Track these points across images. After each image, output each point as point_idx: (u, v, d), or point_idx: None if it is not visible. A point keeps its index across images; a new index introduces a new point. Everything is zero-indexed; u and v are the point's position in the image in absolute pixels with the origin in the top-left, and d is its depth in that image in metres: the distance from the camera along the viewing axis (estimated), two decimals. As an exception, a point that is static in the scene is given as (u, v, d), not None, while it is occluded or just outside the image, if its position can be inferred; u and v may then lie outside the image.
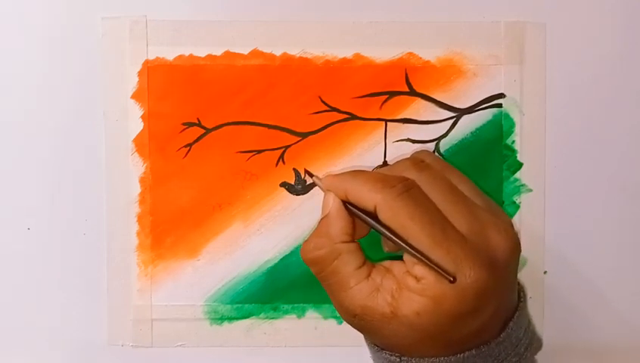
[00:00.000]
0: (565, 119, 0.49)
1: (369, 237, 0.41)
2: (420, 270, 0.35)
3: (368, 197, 0.37)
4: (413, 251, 0.35)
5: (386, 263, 0.38)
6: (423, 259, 0.35)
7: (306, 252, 0.38)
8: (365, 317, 0.37)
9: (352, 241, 0.38)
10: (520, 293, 0.41)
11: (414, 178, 0.38)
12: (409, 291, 0.36)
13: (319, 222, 0.39)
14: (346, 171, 0.40)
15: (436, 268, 0.34)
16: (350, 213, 0.38)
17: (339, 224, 0.38)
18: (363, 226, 0.39)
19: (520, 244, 0.38)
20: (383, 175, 0.38)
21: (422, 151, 0.42)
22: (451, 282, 0.34)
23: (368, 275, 0.37)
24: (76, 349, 0.49)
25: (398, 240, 0.36)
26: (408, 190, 0.36)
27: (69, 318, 0.49)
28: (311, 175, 0.44)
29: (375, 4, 0.48)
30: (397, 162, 0.41)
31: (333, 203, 0.39)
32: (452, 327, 0.36)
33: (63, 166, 0.48)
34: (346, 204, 0.38)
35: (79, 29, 0.48)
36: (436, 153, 0.48)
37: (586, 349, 0.50)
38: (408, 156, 0.41)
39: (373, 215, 0.37)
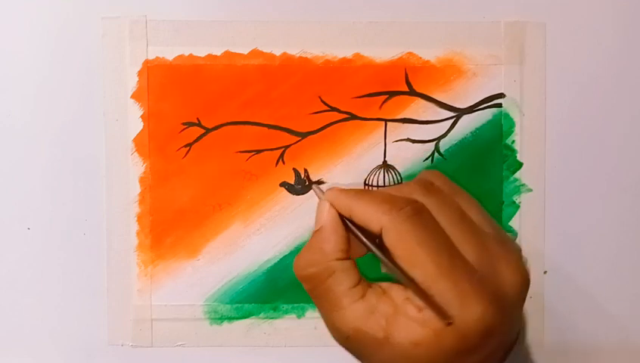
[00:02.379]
0: (565, 119, 0.49)
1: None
2: (421, 300, 0.33)
3: (375, 217, 0.34)
4: (412, 284, 0.33)
5: (385, 285, 0.35)
6: (420, 293, 0.33)
7: (299, 269, 0.36)
8: (357, 339, 0.35)
9: (347, 258, 0.36)
10: (519, 324, 0.39)
11: (422, 202, 0.35)
12: (408, 319, 0.33)
13: (312, 235, 0.37)
14: (352, 187, 0.37)
15: (432, 305, 0.32)
16: (347, 230, 0.36)
17: (333, 240, 0.36)
18: (361, 244, 0.36)
19: (529, 279, 0.36)
20: (391, 195, 0.35)
21: (430, 172, 0.38)
22: (448, 325, 0.32)
23: (363, 295, 0.35)
24: (76, 349, 0.49)
25: (396, 270, 0.33)
26: (417, 213, 0.34)
27: (69, 318, 0.49)
28: (311, 182, 0.43)
29: (375, 4, 0.48)
30: (405, 183, 0.38)
31: (328, 216, 0.36)
32: (449, 361, 0.33)
33: (63, 166, 0.48)
34: (346, 221, 0.36)
35: (79, 29, 0.48)
36: (437, 153, 0.48)
37: (586, 349, 0.50)
38: (416, 178, 0.39)
39: (374, 238, 0.35)
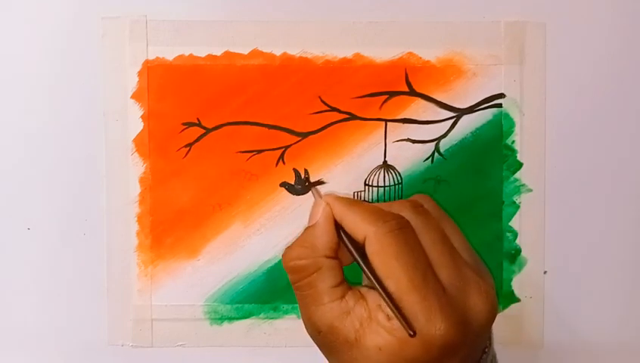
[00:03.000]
0: (565, 119, 0.49)
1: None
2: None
3: (361, 226, 0.37)
4: (383, 294, 0.35)
5: (363, 289, 0.37)
6: (390, 304, 0.35)
7: (287, 260, 0.38)
8: (329, 336, 0.37)
9: (335, 257, 0.38)
10: (487, 342, 0.40)
11: (409, 220, 0.37)
12: (378, 325, 0.35)
13: (305, 230, 0.39)
14: (348, 197, 0.40)
15: (399, 316, 0.34)
16: (338, 236, 0.38)
17: (325, 238, 0.38)
18: (348, 253, 0.38)
19: (497, 309, 0.38)
20: (380, 209, 0.38)
21: (422, 196, 0.41)
22: (410, 336, 0.34)
23: (343, 296, 0.37)
24: (76, 349, 0.49)
25: (372, 279, 0.36)
26: (401, 228, 0.36)
27: (69, 317, 0.49)
28: (311, 183, 0.44)
29: (375, 4, 0.48)
30: (396, 201, 0.40)
31: (322, 214, 0.38)
32: None
33: (63, 166, 0.48)
34: (338, 227, 0.38)
35: (79, 29, 0.48)
36: (437, 154, 0.48)
37: (586, 349, 0.50)
38: (408, 198, 0.41)
39: (360, 248, 0.37)
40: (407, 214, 0.38)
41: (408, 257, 0.35)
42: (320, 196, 0.39)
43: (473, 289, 0.37)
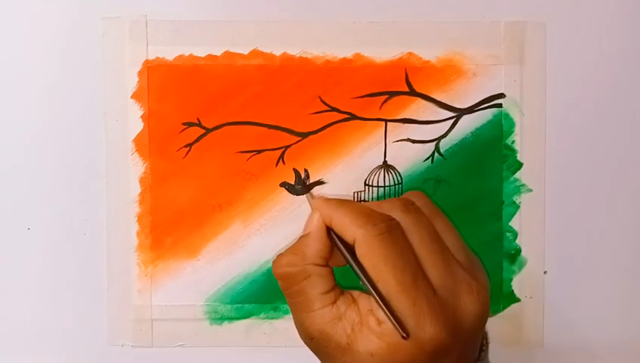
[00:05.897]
0: (565, 119, 0.49)
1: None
2: (382, 314, 0.35)
3: (350, 229, 0.36)
4: (376, 296, 0.35)
5: (355, 294, 0.37)
6: (383, 307, 0.35)
7: (277, 267, 0.38)
8: (321, 342, 0.37)
9: (326, 265, 0.38)
10: (483, 341, 0.40)
11: (399, 220, 0.37)
12: (369, 330, 0.35)
13: (298, 239, 0.39)
14: (336, 197, 0.40)
15: (392, 320, 0.34)
16: (331, 239, 0.38)
17: (316, 247, 0.38)
18: (342, 257, 0.38)
19: (489, 309, 0.37)
20: (370, 210, 0.37)
21: (415, 193, 0.40)
22: (404, 338, 0.34)
23: (334, 302, 0.37)
24: (76, 348, 0.49)
25: (365, 282, 0.35)
26: (390, 231, 0.36)
27: (69, 317, 0.49)
28: (310, 185, 0.44)
29: (375, 4, 0.48)
30: (387, 199, 0.40)
31: (316, 224, 0.38)
32: None
33: (63, 166, 0.48)
34: (329, 230, 0.38)
35: (79, 29, 0.48)
36: (437, 154, 0.48)
37: (586, 349, 0.50)
38: (400, 196, 0.41)
39: (351, 249, 0.37)
40: (397, 214, 0.37)
41: (396, 260, 0.35)
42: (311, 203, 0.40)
43: (465, 289, 0.36)
